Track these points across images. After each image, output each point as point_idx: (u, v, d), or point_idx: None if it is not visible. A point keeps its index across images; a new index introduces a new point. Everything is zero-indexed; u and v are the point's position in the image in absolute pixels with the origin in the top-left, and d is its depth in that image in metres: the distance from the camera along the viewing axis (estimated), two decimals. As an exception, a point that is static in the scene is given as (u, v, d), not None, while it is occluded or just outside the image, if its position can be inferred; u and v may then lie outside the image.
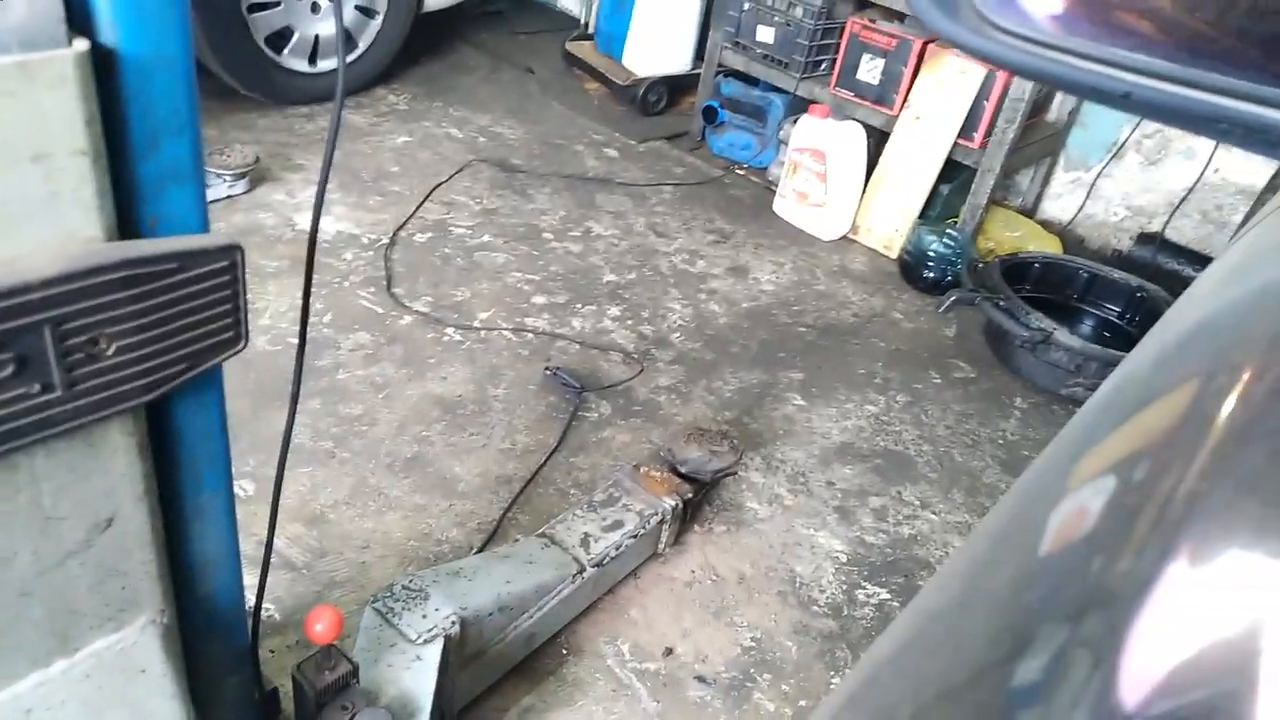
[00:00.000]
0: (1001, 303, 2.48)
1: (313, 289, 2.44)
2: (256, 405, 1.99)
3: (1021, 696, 0.34)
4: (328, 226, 2.71)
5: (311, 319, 2.33)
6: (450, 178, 3.07)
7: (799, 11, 3.24)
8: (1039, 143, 3.20)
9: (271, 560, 1.60)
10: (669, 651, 1.64)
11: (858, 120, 3.11)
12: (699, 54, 3.80)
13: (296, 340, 2.23)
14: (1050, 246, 3.15)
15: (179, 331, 0.89)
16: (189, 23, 0.84)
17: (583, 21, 4.47)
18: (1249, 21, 0.55)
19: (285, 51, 3.23)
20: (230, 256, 0.92)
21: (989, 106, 2.88)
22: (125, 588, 0.92)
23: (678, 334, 2.54)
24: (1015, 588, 0.41)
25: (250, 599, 1.14)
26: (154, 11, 0.79)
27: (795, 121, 3.23)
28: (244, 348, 0.94)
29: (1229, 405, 0.45)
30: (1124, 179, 3.32)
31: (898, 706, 0.41)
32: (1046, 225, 3.36)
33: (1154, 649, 0.31)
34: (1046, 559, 0.41)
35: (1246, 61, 0.55)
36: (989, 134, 2.91)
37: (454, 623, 1.34)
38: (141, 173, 0.85)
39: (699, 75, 3.69)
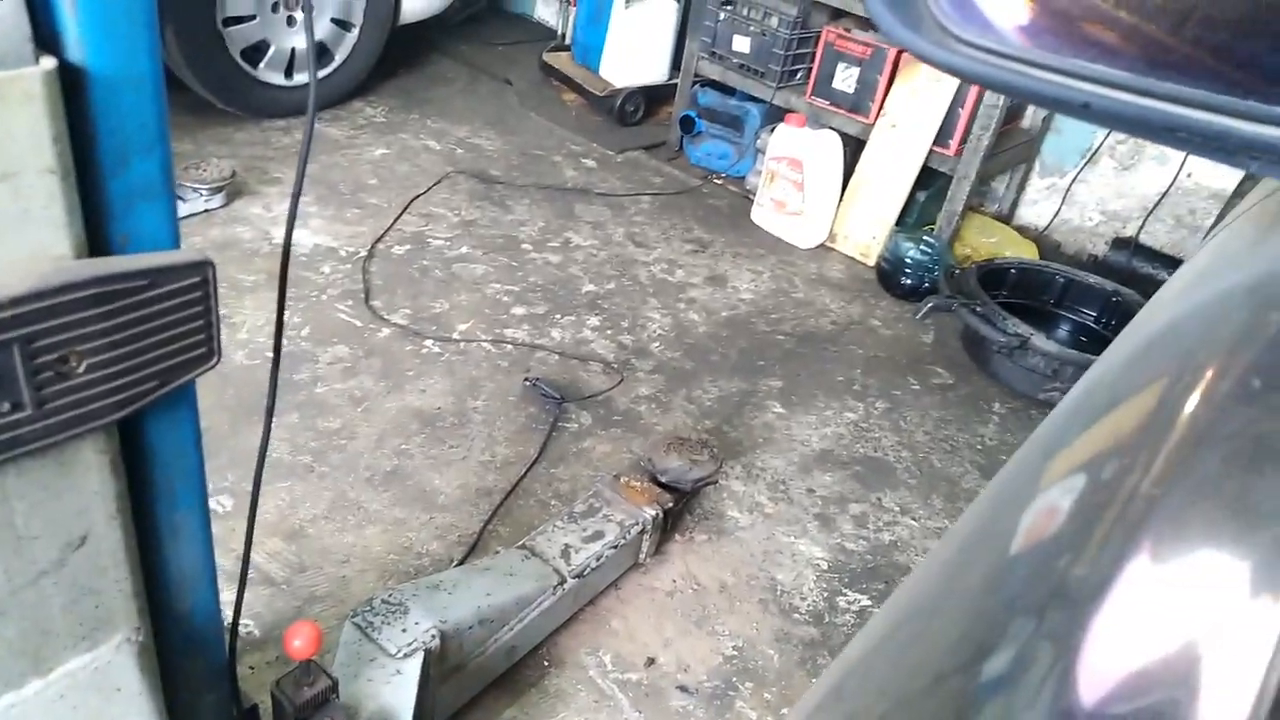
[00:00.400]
0: (978, 309, 2.50)
1: (290, 303, 2.44)
2: (235, 420, 1.98)
3: (986, 691, 0.34)
4: (305, 240, 2.70)
5: (289, 333, 2.33)
6: (428, 190, 3.07)
7: (774, 21, 3.27)
8: (1014, 149, 3.24)
9: (250, 576, 1.58)
10: (651, 662, 1.64)
11: (834, 129, 3.13)
12: (676, 64, 3.82)
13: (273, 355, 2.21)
14: (1027, 252, 3.18)
15: (150, 349, 0.88)
16: (157, 40, 0.84)
17: (560, 32, 4.48)
18: (1205, 31, 0.56)
19: (261, 65, 3.22)
20: (201, 273, 0.92)
21: (964, 114, 2.91)
22: (99, 606, 0.92)
23: (657, 343, 2.54)
24: (986, 587, 0.42)
25: (228, 615, 1.13)
26: (122, 29, 0.79)
27: (772, 130, 3.24)
28: (216, 364, 0.93)
29: (1190, 408, 0.46)
30: (1098, 184, 3.36)
31: (870, 707, 0.41)
32: (1023, 231, 3.39)
33: (1110, 646, 0.32)
34: (1015, 558, 0.42)
35: (1203, 71, 0.56)
36: (964, 141, 2.93)
37: (434, 636, 1.34)
38: (111, 190, 0.85)
39: (676, 85, 3.70)
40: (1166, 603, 0.32)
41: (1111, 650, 0.31)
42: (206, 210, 2.74)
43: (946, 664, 0.38)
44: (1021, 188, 3.49)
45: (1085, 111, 0.60)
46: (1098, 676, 0.31)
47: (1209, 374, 0.49)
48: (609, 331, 2.55)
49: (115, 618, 0.93)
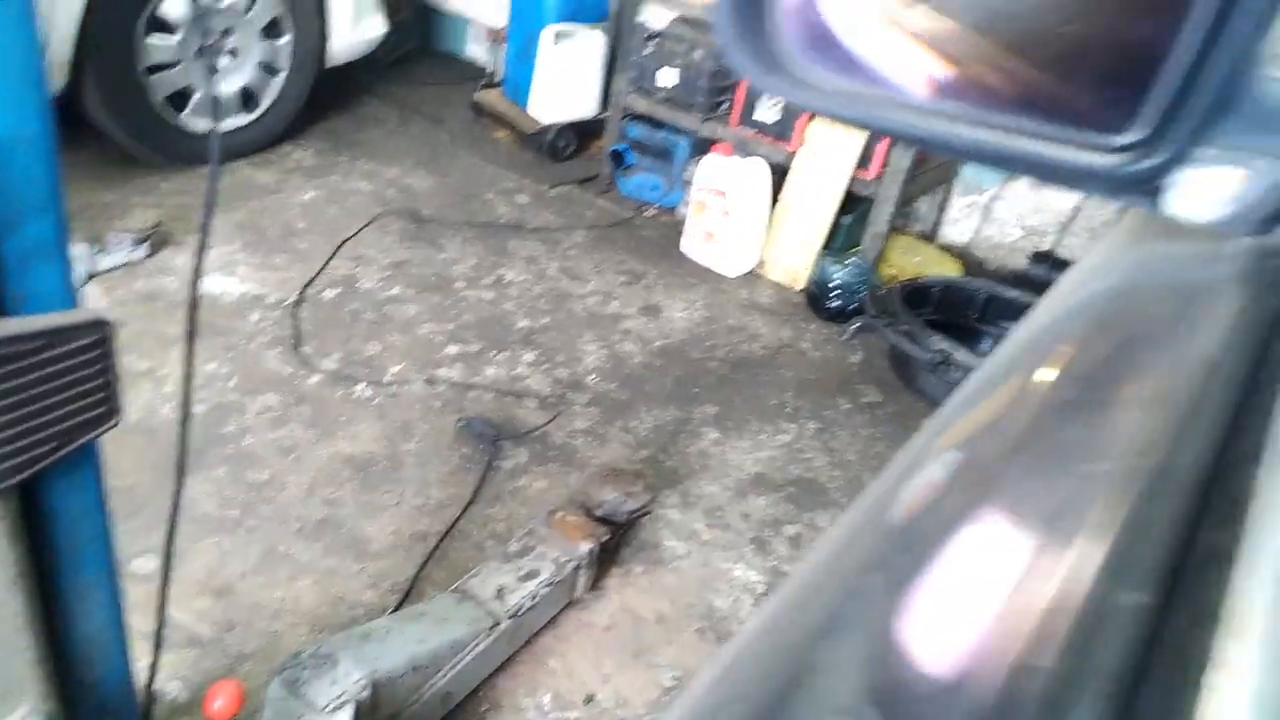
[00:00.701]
0: (903, 328, 2.56)
1: (217, 352, 2.40)
2: (159, 477, 1.93)
3: (821, 639, 0.37)
4: (232, 288, 2.67)
5: (216, 383, 2.30)
6: (358, 232, 3.05)
7: (698, 54, 3.33)
8: (933, 170, 3.33)
9: (176, 637, 1.55)
10: (590, 699, 1.64)
11: (760, 157, 3.19)
12: (606, 98, 3.86)
13: (202, 408, 2.18)
14: (951, 269, 3.26)
15: (48, 410, 0.87)
16: (47, 100, 0.84)
17: (489, 70, 4.51)
18: (1040, 67, 0.60)
19: (186, 112, 3.18)
20: (100, 331, 0.91)
21: (883, 139, 2.98)
22: (1, 677, 0.89)
23: (593, 376, 2.55)
24: (863, 555, 0.44)
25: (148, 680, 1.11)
26: (10, 91, 0.79)
27: (700, 161, 3.30)
28: (117, 424, 0.92)
29: (1024, 412, 0.50)
30: (1016, 201, 3.47)
31: (751, 688, 0.43)
32: (947, 249, 3.48)
33: (931, 599, 0.36)
34: (891, 528, 0.45)
35: (1038, 104, 0.60)
36: (884, 165, 3.01)
37: (364, 687, 1.32)
38: (4, 252, 0.84)
39: (606, 119, 3.75)
40: (980, 572, 0.35)
41: (930, 601, 0.34)
42: (129, 262, 2.69)
43: (814, 632, 0.40)
44: (943, 207, 3.59)
45: (928, 144, 0.64)
46: (916, 625, 0.34)
47: (1046, 379, 0.53)
48: (544, 366, 2.56)
49: (20, 688, 0.91)
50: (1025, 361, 0.60)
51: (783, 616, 0.45)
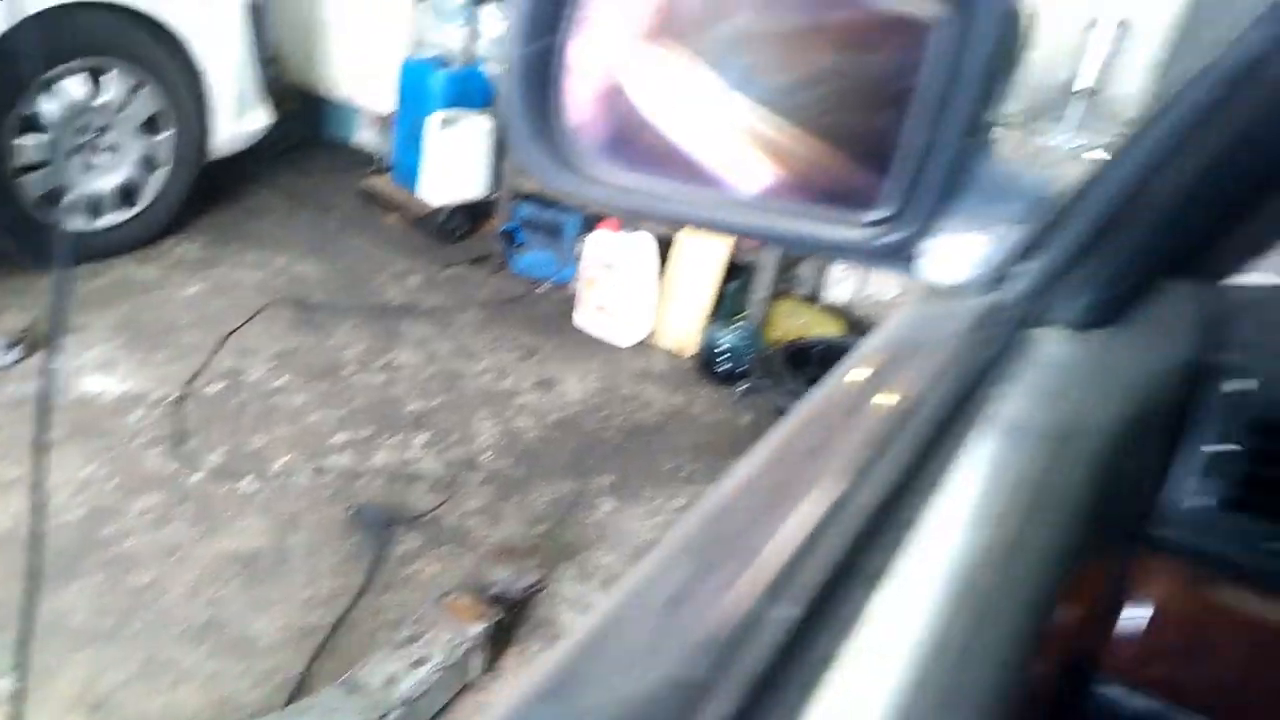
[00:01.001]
0: (787, 388, 2.65)
1: (96, 454, 2.34)
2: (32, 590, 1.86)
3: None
4: (111, 387, 2.60)
5: (94, 486, 2.23)
6: (245, 323, 3.02)
7: (579, 135, 3.43)
8: (812, 236, 3.47)
9: (41, 758, 1.48)
10: (487, 782, 1.61)
11: (645, 231, 3.29)
12: (498, 179, 3.93)
13: (81, 513, 2.11)
14: (834, 329, 3.38)
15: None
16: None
17: (378, 157, 4.55)
18: (804, 156, 0.67)
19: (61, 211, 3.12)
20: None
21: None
22: None
23: (487, 454, 2.56)
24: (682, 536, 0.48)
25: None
26: None
27: (589, 237, 3.38)
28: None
29: (793, 443, 0.56)
30: (892, 261, 3.63)
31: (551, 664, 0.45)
32: (830, 310, 3.61)
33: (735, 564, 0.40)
34: (701, 520, 0.49)
35: (803, 186, 0.67)
36: (763, 233, 3.13)
37: (244, 791, 1.28)
38: None
39: (497, 199, 3.81)
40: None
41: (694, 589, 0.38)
42: (0, 366, 2.60)
43: (620, 605, 0.44)
44: (823, 269, 3.73)
45: (714, 229, 0.70)
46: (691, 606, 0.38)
47: (815, 421, 0.59)
48: (437, 447, 2.55)
49: None
50: (816, 401, 0.65)
51: (612, 593, 0.49)
